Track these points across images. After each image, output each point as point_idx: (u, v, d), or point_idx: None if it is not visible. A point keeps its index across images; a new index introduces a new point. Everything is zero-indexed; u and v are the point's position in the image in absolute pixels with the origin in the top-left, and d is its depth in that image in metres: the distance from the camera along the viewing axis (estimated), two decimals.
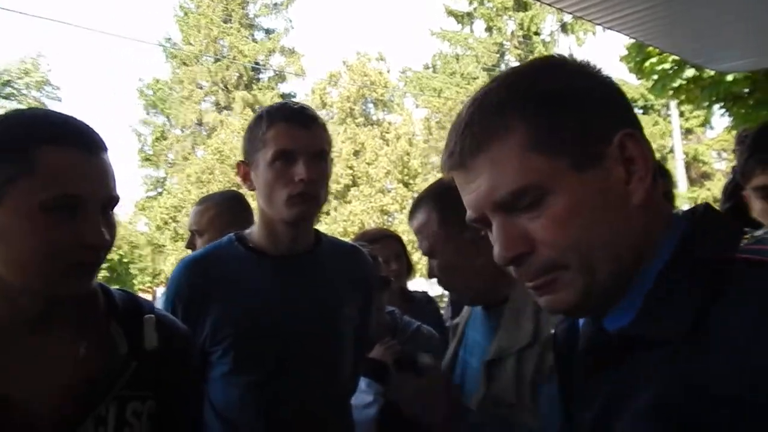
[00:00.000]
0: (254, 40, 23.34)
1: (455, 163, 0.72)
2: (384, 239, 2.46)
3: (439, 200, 1.30)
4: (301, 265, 1.49)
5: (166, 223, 20.46)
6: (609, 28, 4.07)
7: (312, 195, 1.41)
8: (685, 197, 18.37)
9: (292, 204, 1.39)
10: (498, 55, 23.05)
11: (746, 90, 9.12)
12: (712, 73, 7.75)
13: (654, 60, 9.36)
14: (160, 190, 23.55)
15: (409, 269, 2.55)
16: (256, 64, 22.96)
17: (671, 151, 19.76)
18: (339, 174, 19.20)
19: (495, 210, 0.70)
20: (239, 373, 1.41)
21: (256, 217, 1.56)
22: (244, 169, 1.48)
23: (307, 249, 1.51)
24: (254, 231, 1.51)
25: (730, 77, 8.33)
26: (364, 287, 1.60)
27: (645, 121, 20.33)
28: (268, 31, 23.76)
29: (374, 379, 1.83)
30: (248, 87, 22.91)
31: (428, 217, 1.30)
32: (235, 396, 1.42)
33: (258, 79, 23.68)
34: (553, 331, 0.84)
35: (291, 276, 1.47)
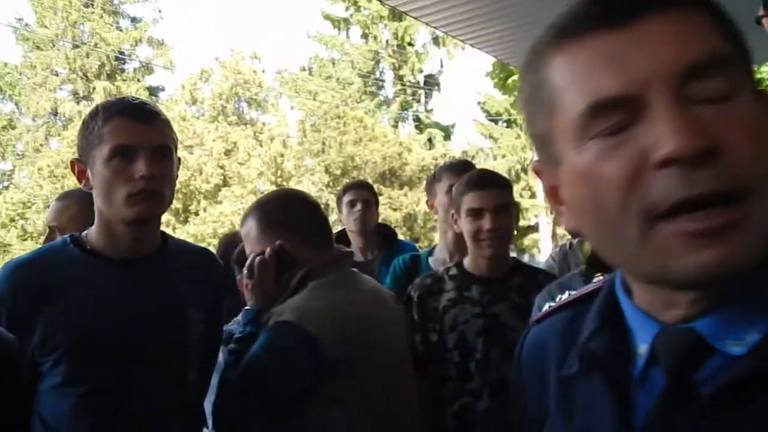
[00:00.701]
0: (119, 28, 21.94)
1: (622, 12, 0.48)
2: None
3: (260, 211, 1.52)
4: (146, 268, 1.41)
5: (12, 220, 18.67)
6: (472, 46, 4.27)
7: (154, 192, 1.33)
8: (541, 207, 19.71)
9: (132, 203, 1.32)
10: (373, 62, 23.44)
11: None
12: None
13: (516, 77, 9.97)
14: (6, 183, 21.44)
15: None
16: (120, 53, 21.62)
17: (531, 162, 21.13)
18: (209, 173, 18.55)
19: (672, 83, 0.47)
20: (73, 383, 1.31)
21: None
22: (80, 167, 1.38)
23: (153, 252, 1.44)
24: (92, 232, 1.41)
25: None
26: (213, 291, 1.55)
27: (508, 134, 21.56)
28: (134, 20, 22.44)
29: None
30: (111, 77, 21.50)
31: (250, 226, 1.52)
32: (66, 407, 1.31)
33: (122, 70, 22.28)
34: (585, 346, 0.58)
35: (134, 280, 1.39)
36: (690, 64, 0.47)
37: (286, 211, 1.52)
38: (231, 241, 2.61)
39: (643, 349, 0.54)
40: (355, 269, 1.61)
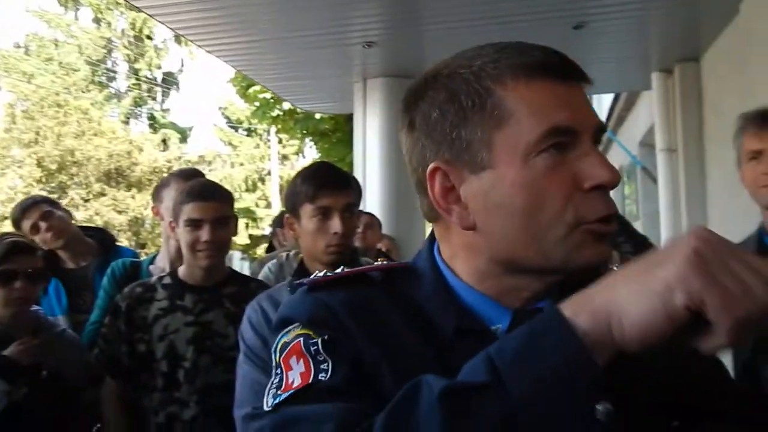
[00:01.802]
0: None
1: (573, 75, 0.68)
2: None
3: None
4: None
5: None
6: (209, 52, 4.23)
7: None
8: (273, 217, 20.07)
9: None
10: (105, 51, 21.55)
11: (330, 129, 10.54)
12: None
13: (257, 88, 10.08)
14: None
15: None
16: None
17: (269, 173, 21.41)
18: None
19: (595, 131, 0.67)
20: None
21: None
22: None
23: None
24: None
25: (318, 115, 9.52)
26: None
27: (247, 143, 21.61)
28: None
29: (2, 378, 1.76)
30: None
31: None
32: None
33: None
34: (461, 320, 0.70)
35: None
36: (601, 124, 0.69)
37: None
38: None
39: (498, 325, 0.70)
40: None
